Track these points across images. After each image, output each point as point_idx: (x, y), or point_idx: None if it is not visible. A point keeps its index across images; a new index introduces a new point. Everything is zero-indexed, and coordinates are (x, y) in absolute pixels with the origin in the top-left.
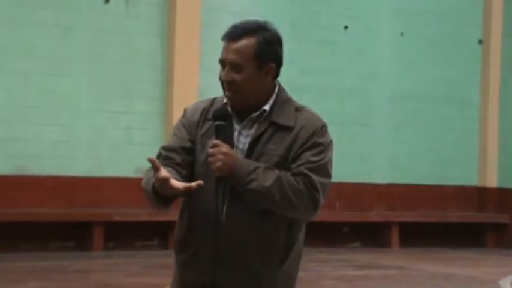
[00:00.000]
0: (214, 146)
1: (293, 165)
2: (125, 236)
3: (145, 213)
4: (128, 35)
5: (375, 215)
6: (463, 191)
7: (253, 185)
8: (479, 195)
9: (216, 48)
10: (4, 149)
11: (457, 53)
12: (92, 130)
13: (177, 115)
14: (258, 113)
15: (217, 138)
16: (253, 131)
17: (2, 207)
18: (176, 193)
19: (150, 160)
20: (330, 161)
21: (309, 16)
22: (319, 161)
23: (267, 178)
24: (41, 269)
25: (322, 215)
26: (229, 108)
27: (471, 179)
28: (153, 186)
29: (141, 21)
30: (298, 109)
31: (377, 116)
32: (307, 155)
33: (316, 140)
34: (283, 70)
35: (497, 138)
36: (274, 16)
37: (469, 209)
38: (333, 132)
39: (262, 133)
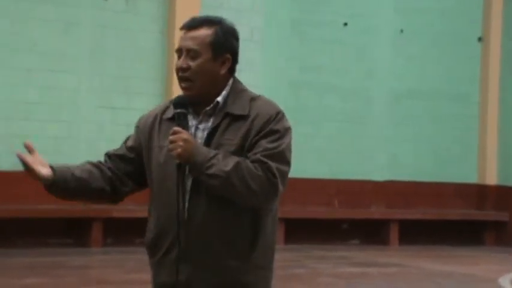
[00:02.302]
0: (174, 132)
1: (250, 153)
2: (123, 232)
3: (144, 210)
4: (127, 31)
5: (374, 212)
6: (463, 189)
7: (212, 170)
8: (479, 193)
9: None
10: (4, 144)
11: (457, 51)
12: (91, 126)
13: None
14: (212, 105)
15: (178, 125)
16: (209, 124)
17: (2, 203)
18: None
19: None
20: (288, 147)
21: (309, 13)
22: (276, 147)
23: (226, 163)
24: (40, 265)
25: (321, 211)
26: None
27: (471, 177)
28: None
29: (141, 17)
30: (254, 98)
31: (376, 113)
32: (264, 143)
33: (272, 127)
34: (283, 67)
35: (496, 135)
36: (273, 13)
37: (468, 207)
38: (332, 130)
39: (218, 124)
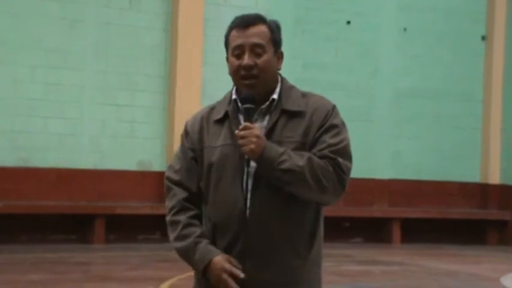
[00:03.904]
0: (245, 128)
1: (314, 150)
2: (126, 229)
3: (147, 207)
4: (131, 29)
5: (377, 211)
6: (466, 188)
7: (286, 165)
8: (482, 192)
9: (219, 43)
10: (9, 141)
11: (460, 49)
12: (95, 123)
13: (179, 109)
14: (267, 103)
15: (246, 121)
16: (265, 122)
17: (6, 199)
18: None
19: None
20: (349, 143)
21: (312, 12)
22: (340, 143)
23: (298, 159)
24: (43, 260)
25: (323, 209)
26: (239, 104)
27: (473, 176)
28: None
29: (144, 15)
30: (304, 94)
31: (380, 111)
32: (326, 138)
33: (331, 121)
34: (286, 65)
35: (499, 134)
36: (277, 11)
37: (471, 206)
38: None
39: (276, 122)
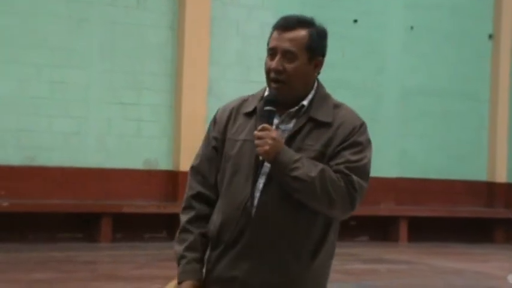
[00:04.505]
0: (263, 129)
1: (332, 163)
2: (133, 227)
3: (153, 205)
4: (138, 27)
5: (384, 209)
6: (472, 186)
7: (297, 173)
8: (488, 191)
9: (226, 42)
10: (14, 139)
11: (467, 48)
12: (101, 122)
13: (186, 107)
14: (296, 107)
15: (266, 122)
16: (291, 125)
17: (12, 198)
18: None
19: None
20: (369, 162)
21: (319, 10)
22: (359, 161)
23: (311, 169)
24: (49, 259)
25: None
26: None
27: (480, 174)
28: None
29: (151, 13)
30: (337, 106)
31: (386, 110)
32: (346, 154)
33: (356, 138)
34: None
35: (506, 133)
36: (283, 10)
37: (478, 204)
38: None
39: (301, 128)
